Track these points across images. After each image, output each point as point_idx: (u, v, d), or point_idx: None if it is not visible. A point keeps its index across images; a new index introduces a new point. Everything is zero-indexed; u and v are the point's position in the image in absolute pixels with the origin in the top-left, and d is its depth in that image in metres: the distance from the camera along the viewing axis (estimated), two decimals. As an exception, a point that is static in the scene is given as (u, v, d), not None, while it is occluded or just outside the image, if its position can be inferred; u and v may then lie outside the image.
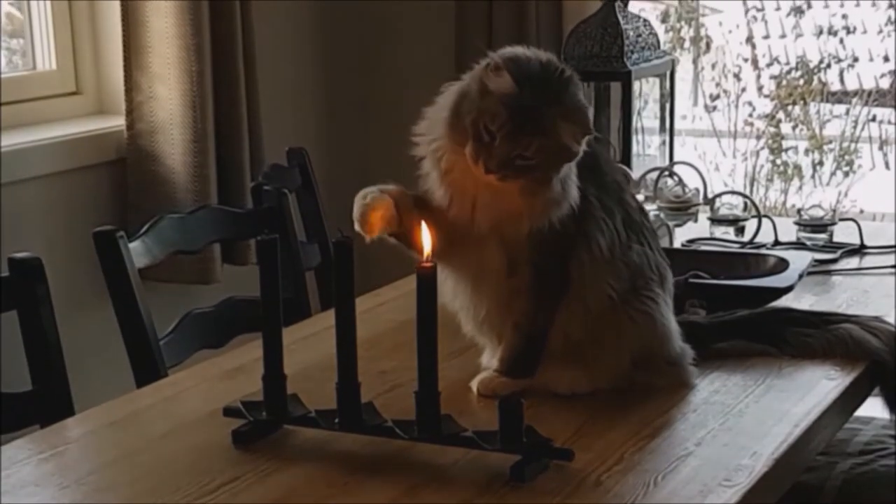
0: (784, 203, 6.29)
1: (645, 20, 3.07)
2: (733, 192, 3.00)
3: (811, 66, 6.97)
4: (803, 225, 2.78)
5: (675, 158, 3.19)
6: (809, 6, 7.35)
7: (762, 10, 7.53)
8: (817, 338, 2.08)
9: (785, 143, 6.57)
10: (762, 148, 6.51)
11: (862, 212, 5.88)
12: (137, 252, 2.43)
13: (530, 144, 1.74)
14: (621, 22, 2.94)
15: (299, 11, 3.90)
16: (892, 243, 2.73)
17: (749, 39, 7.48)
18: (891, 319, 2.16)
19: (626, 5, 3.27)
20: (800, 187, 6.44)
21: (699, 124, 6.85)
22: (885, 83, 7.03)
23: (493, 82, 1.76)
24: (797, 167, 6.51)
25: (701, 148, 6.63)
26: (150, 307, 2.41)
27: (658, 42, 3.06)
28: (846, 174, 6.58)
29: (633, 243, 1.90)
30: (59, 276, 2.54)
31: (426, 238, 1.65)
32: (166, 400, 2.00)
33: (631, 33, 2.93)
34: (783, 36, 7.41)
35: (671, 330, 1.93)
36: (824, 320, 2.11)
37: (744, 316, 2.12)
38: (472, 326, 1.95)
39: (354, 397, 1.71)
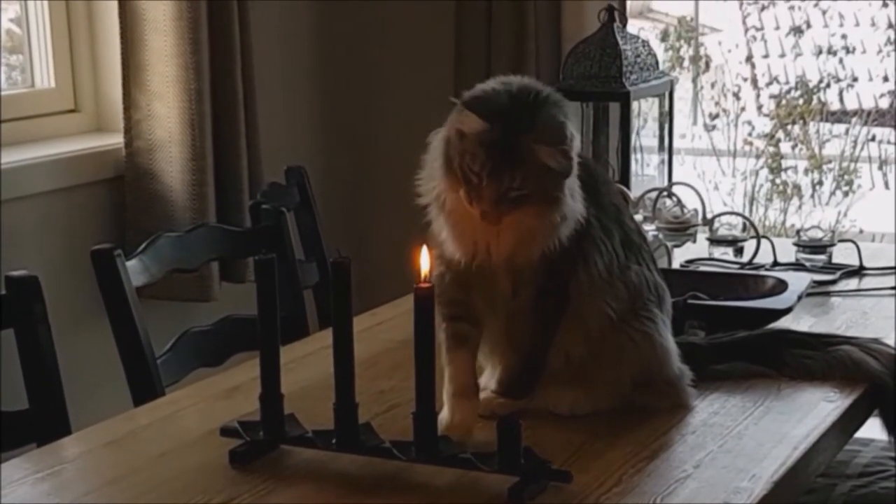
0: (784, 222, 6.29)
1: (643, 41, 3.07)
2: (732, 213, 3.00)
3: (811, 85, 6.97)
4: (802, 246, 2.77)
5: (675, 178, 3.19)
6: (809, 26, 7.37)
7: (762, 29, 7.55)
8: (816, 360, 2.07)
9: (784, 163, 6.57)
10: (762, 167, 6.51)
11: (861, 231, 5.88)
12: (135, 270, 2.42)
13: (514, 177, 1.73)
14: (620, 42, 2.94)
15: (298, 30, 3.90)
16: (891, 264, 2.73)
17: (749, 59, 7.49)
18: (890, 341, 2.15)
19: (624, 26, 3.28)
20: (799, 207, 6.44)
21: (698, 143, 6.85)
22: (884, 103, 7.03)
23: (465, 124, 1.76)
24: (797, 187, 6.51)
25: (700, 167, 6.63)
26: (149, 325, 2.40)
27: (657, 62, 3.06)
28: (846, 194, 6.59)
29: (631, 264, 1.89)
30: (57, 293, 2.53)
31: (425, 260, 1.65)
32: (163, 419, 1.99)
33: (629, 54, 2.93)
34: (783, 55, 7.42)
35: (670, 351, 1.93)
36: (823, 342, 2.10)
37: (742, 337, 2.11)
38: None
39: (352, 417, 1.70)
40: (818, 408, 1.95)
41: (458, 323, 1.86)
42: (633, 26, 5.65)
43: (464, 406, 1.81)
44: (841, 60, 7.22)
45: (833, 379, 2.05)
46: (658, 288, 1.94)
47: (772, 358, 2.08)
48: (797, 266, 2.73)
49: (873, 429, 2.13)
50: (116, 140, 3.31)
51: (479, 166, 1.74)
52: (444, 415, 1.79)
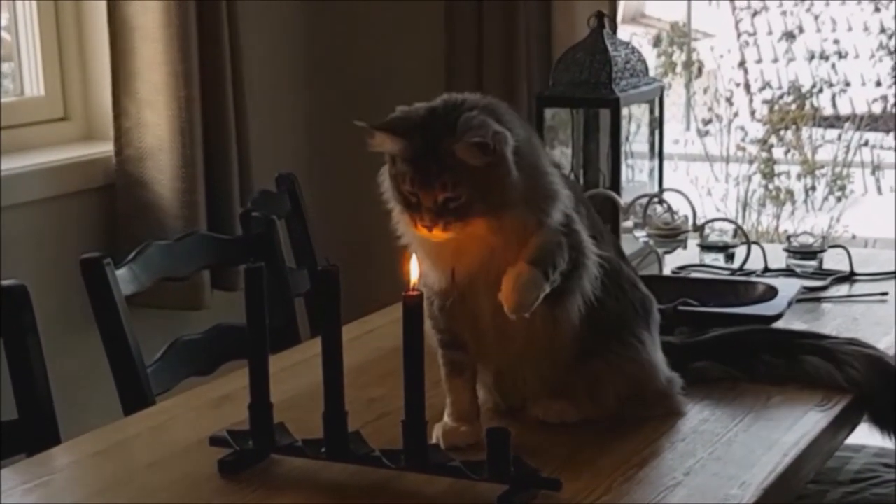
0: (777, 228, 6.30)
1: (633, 46, 3.07)
2: (722, 220, 3.00)
3: (803, 90, 6.98)
4: (793, 252, 2.77)
5: (668, 183, 3.18)
6: (802, 31, 7.38)
7: (754, 34, 7.56)
8: (785, 368, 2.07)
9: (777, 168, 6.58)
10: (754, 172, 6.52)
11: (854, 237, 5.89)
12: (125, 279, 2.42)
13: (445, 184, 1.71)
14: (609, 48, 2.94)
15: (288, 38, 3.90)
16: (882, 270, 2.73)
17: (741, 64, 7.50)
18: (881, 346, 2.15)
19: (614, 31, 3.27)
20: (792, 212, 6.45)
21: (691, 148, 6.86)
22: (877, 108, 7.04)
23: (388, 147, 1.75)
24: (789, 192, 6.53)
25: (693, 172, 6.64)
26: (139, 333, 2.40)
27: (647, 68, 3.06)
28: (838, 199, 6.60)
29: (607, 298, 1.87)
30: (47, 302, 2.53)
31: (413, 268, 1.64)
32: (153, 429, 1.99)
33: (619, 60, 2.92)
34: (775, 60, 7.43)
35: (657, 367, 1.93)
36: (797, 344, 2.10)
37: (716, 337, 2.12)
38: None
39: (342, 426, 1.70)
40: (808, 414, 1.95)
41: (453, 351, 1.85)
42: (625, 32, 5.66)
43: (463, 433, 1.81)
44: (833, 65, 7.24)
45: (800, 382, 2.05)
46: (644, 303, 1.94)
47: (744, 362, 2.08)
48: (788, 272, 2.73)
49: (865, 435, 2.13)
50: (106, 148, 3.30)
51: (410, 183, 1.73)
52: (437, 433, 1.80)
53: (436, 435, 1.79)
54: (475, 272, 1.80)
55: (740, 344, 2.11)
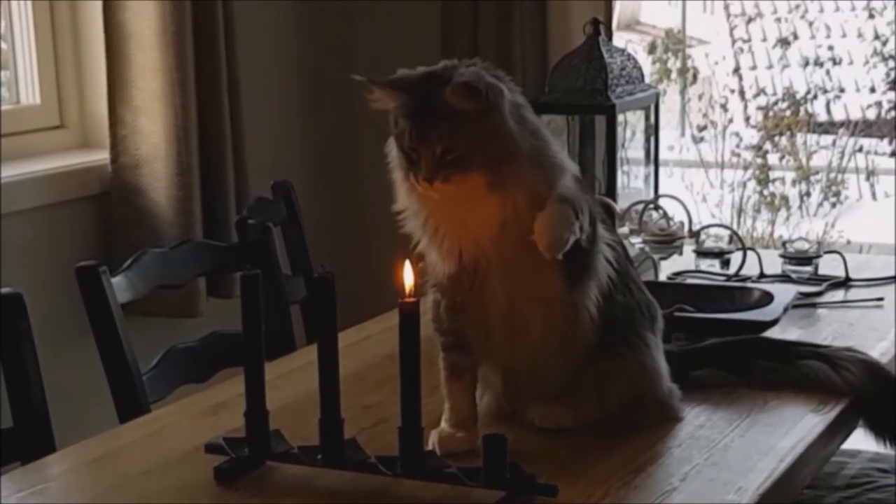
0: (772, 234, 6.30)
1: (629, 54, 3.07)
2: (718, 225, 3.00)
3: (798, 96, 6.99)
4: (788, 258, 2.77)
5: (663, 189, 3.19)
6: (796, 37, 7.39)
7: (749, 41, 7.57)
8: (783, 373, 2.07)
9: (772, 174, 6.59)
10: (749, 178, 6.53)
11: (849, 242, 5.89)
12: (120, 287, 2.42)
13: (442, 134, 1.71)
14: (605, 55, 2.94)
15: (284, 44, 3.90)
16: (877, 276, 2.73)
17: (736, 70, 7.51)
18: (875, 353, 2.15)
19: (610, 39, 3.28)
20: (787, 218, 6.45)
21: (686, 155, 6.87)
22: (871, 114, 7.05)
23: (387, 102, 1.77)
24: (784, 198, 6.53)
25: (689, 178, 6.64)
26: (135, 340, 2.39)
27: (642, 75, 3.06)
28: (833, 205, 6.60)
29: (616, 295, 1.87)
30: (43, 310, 2.53)
31: (408, 274, 1.64)
32: (148, 436, 1.99)
33: (615, 67, 2.93)
34: (770, 67, 7.44)
35: (660, 372, 1.93)
36: (794, 352, 2.10)
37: (713, 345, 2.12)
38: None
39: (338, 433, 1.70)
40: (804, 419, 1.95)
41: (455, 353, 1.85)
42: (620, 38, 5.66)
43: (459, 439, 1.81)
44: (828, 72, 7.25)
45: (803, 389, 2.05)
46: (650, 308, 1.94)
47: (741, 368, 2.08)
48: (783, 278, 2.74)
49: (860, 440, 2.13)
50: (102, 156, 3.30)
51: (409, 137, 1.74)
52: (434, 439, 1.80)
53: (432, 441, 1.79)
54: (485, 251, 1.78)
55: (737, 349, 2.11)
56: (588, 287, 1.82)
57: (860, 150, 6.87)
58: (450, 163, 1.72)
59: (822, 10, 7.42)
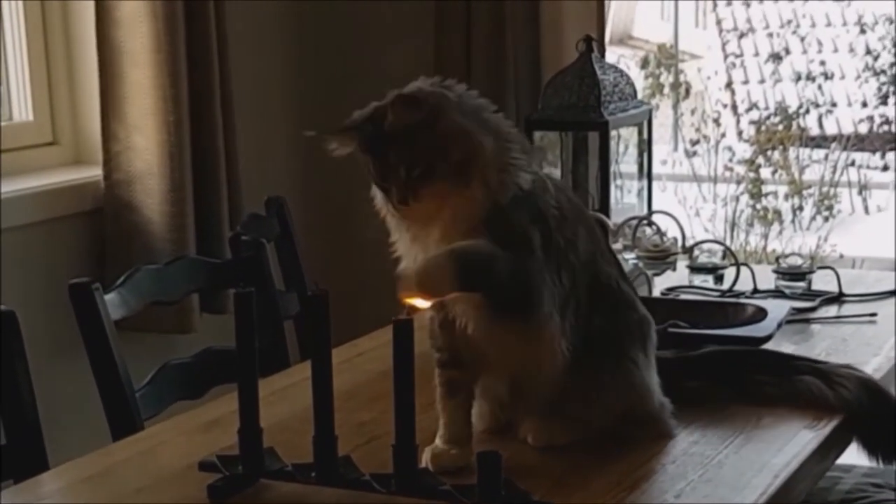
0: (765, 248, 6.32)
1: (622, 70, 3.08)
2: (711, 241, 3.00)
3: (790, 111, 7.02)
4: (782, 273, 2.77)
5: (656, 204, 3.20)
6: (788, 52, 7.41)
7: (741, 56, 7.59)
8: (778, 387, 2.07)
9: (765, 188, 6.61)
10: (742, 193, 6.54)
11: (842, 256, 5.90)
12: (114, 304, 2.41)
13: (400, 154, 1.75)
14: (598, 72, 2.95)
15: (277, 61, 3.90)
16: (870, 291, 2.74)
17: (728, 85, 7.53)
18: (868, 368, 2.15)
19: (602, 54, 3.28)
20: (780, 232, 6.46)
21: (679, 169, 6.88)
22: (863, 128, 7.07)
23: (346, 147, 1.83)
24: (777, 212, 6.55)
25: (681, 193, 6.66)
26: (129, 357, 2.39)
27: (635, 91, 3.07)
28: (826, 219, 6.62)
29: (595, 315, 1.86)
30: (36, 327, 2.52)
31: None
32: (142, 454, 1.98)
33: (608, 83, 2.94)
34: (762, 81, 7.47)
35: (651, 389, 1.92)
36: (791, 367, 2.10)
37: (710, 353, 2.12)
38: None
39: (331, 450, 1.70)
40: (798, 436, 1.95)
41: (450, 370, 1.85)
42: (613, 53, 5.67)
43: (453, 456, 1.80)
44: (820, 86, 7.27)
45: (797, 403, 2.05)
46: (641, 325, 1.93)
47: (736, 382, 2.08)
48: (777, 293, 2.74)
49: (854, 455, 2.13)
50: (95, 172, 3.30)
51: (374, 170, 1.78)
52: (427, 456, 1.79)
53: (425, 458, 1.79)
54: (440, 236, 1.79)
55: (734, 361, 2.11)
56: (539, 314, 1.80)
57: (852, 164, 6.89)
58: (417, 178, 1.74)
59: (813, 25, 7.44)
